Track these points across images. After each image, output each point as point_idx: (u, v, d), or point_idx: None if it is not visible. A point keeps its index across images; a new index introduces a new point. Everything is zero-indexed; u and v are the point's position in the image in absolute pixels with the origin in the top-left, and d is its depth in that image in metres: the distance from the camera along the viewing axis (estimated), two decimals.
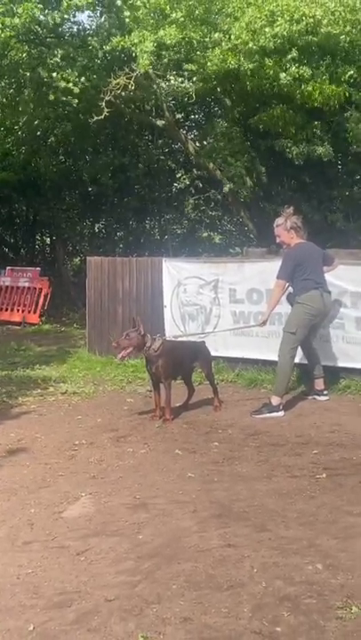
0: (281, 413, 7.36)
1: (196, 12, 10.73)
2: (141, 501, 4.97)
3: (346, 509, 4.68)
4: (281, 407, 7.42)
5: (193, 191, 17.08)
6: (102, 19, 12.73)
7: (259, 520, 4.55)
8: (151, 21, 10.96)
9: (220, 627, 3.25)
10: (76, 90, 11.77)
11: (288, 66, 10.46)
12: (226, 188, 12.67)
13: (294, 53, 10.35)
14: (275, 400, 7.44)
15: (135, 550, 4.12)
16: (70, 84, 11.73)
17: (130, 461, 5.98)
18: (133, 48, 10.85)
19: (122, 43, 11.01)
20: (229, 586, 3.64)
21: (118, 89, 11.53)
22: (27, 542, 4.28)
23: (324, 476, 5.42)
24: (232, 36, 10.34)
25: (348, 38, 10.38)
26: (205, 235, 16.52)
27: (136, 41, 10.74)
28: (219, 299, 9.48)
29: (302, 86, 10.78)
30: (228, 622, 3.28)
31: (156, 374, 7.19)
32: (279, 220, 7.72)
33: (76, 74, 11.99)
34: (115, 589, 3.63)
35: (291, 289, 7.67)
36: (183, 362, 7.43)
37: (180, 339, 8.37)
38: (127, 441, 6.64)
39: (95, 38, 12.54)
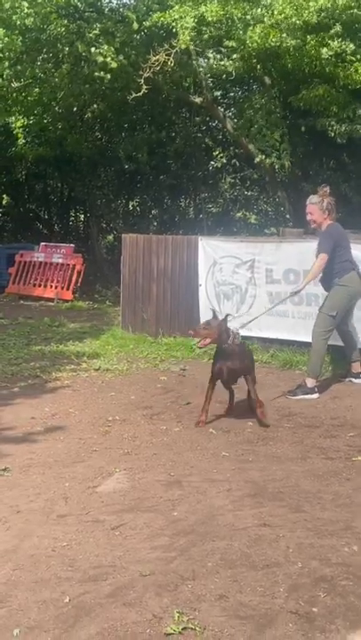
0: (315, 395, 7.31)
1: None
2: (176, 479, 4.96)
3: None
4: (316, 389, 7.37)
5: (230, 170, 16.95)
6: None
7: (294, 501, 4.52)
8: None
9: (255, 605, 3.23)
10: (113, 64, 11.71)
11: (331, 42, 10.27)
12: (257, 159, 12.50)
13: (338, 28, 10.15)
14: (310, 382, 7.39)
15: (170, 527, 4.12)
16: (108, 59, 11.65)
17: (163, 439, 5.98)
18: (174, 24, 10.73)
19: (162, 18, 10.89)
20: (265, 565, 3.62)
21: (157, 65, 11.42)
22: (61, 515, 4.30)
23: (359, 458, 5.37)
24: (275, 12, 10.17)
25: None
26: (240, 214, 16.39)
27: (177, 16, 10.62)
28: (255, 279, 9.40)
29: (345, 66, 10.60)
30: (263, 601, 3.27)
31: (235, 369, 6.36)
32: (314, 199, 7.58)
33: (113, 49, 11.92)
34: (150, 565, 3.62)
35: (322, 274, 7.53)
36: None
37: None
38: (160, 419, 6.64)
39: (135, 13, 12.42)
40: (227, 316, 6.46)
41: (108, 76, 11.91)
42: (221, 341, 6.32)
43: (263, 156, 12.40)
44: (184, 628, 3.05)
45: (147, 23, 11.57)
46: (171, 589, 3.38)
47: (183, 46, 10.71)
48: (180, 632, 3.03)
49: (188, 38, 10.50)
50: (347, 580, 3.46)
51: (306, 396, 7.27)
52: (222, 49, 12.10)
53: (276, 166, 12.44)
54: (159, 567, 3.60)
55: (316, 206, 7.52)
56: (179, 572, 3.56)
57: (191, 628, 3.05)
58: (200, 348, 6.93)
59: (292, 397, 7.27)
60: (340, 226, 7.72)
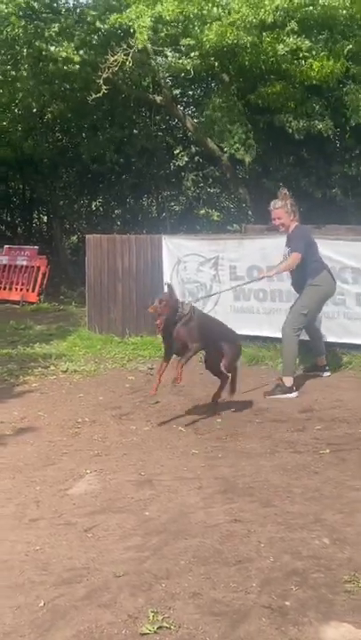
0: (294, 394, 7.28)
1: None
2: (146, 478, 4.99)
3: (350, 484, 4.71)
4: (294, 388, 7.36)
5: (192, 167, 16.99)
6: None
7: (264, 495, 4.57)
8: None
9: (229, 601, 3.27)
10: (77, 59, 11.69)
11: (286, 38, 10.36)
12: (225, 158, 12.54)
13: (293, 25, 10.24)
14: (287, 381, 7.37)
15: (142, 526, 4.14)
16: (70, 54, 11.64)
17: (133, 438, 6.00)
18: (131, 24, 10.73)
19: (119, 19, 10.89)
20: (237, 561, 3.66)
21: (116, 66, 11.41)
22: (34, 519, 4.30)
23: (327, 451, 5.44)
24: (232, 11, 10.23)
25: (346, 12, 10.27)
26: (203, 212, 16.45)
27: (133, 16, 10.62)
28: (219, 276, 9.45)
29: (300, 63, 10.70)
30: (237, 597, 3.31)
31: (179, 338, 6.33)
32: (278, 203, 7.60)
33: (74, 46, 11.89)
34: (123, 565, 3.65)
35: (293, 275, 7.59)
36: (209, 335, 6.57)
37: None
38: (130, 418, 6.66)
39: (93, 12, 12.40)
40: (172, 290, 6.52)
41: (77, 66, 11.85)
42: (173, 314, 6.31)
43: (228, 153, 12.40)
44: (159, 627, 3.08)
45: (105, 25, 11.54)
46: (145, 589, 3.41)
47: (140, 46, 10.71)
48: (155, 631, 3.05)
49: (146, 37, 10.51)
50: (318, 572, 3.51)
51: (284, 396, 7.25)
52: (180, 47, 12.13)
53: (247, 160, 12.43)
54: (133, 567, 3.63)
55: (282, 210, 7.55)
56: (152, 571, 3.58)
57: (166, 627, 3.08)
58: (158, 325, 6.46)
59: (271, 397, 7.24)
60: (306, 226, 7.81)
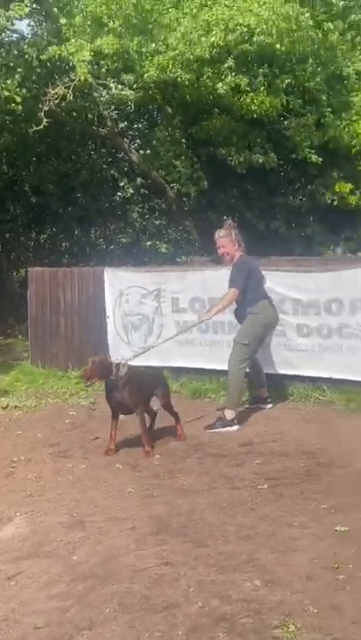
0: (235, 428, 7.18)
1: (133, 21, 10.63)
2: (78, 519, 4.83)
3: (286, 521, 4.60)
4: (235, 421, 7.25)
5: (138, 200, 16.97)
6: (40, 28, 12.51)
7: (198, 535, 4.44)
8: (88, 30, 10.84)
9: None
10: (18, 99, 11.59)
11: (225, 75, 10.43)
12: (171, 193, 12.55)
13: (231, 62, 10.31)
14: (229, 414, 7.28)
15: (69, 572, 3.98)
16: (12, 93, 11.53)
17: (69, 477, 5.85)
18: (71, 57, 10.70)
19: (58, 52, 10.85)
20: (164, 607, 3.52)
21: (57, 99, 11.35)
22: None
23: (265, 486, 5.35)
24: (169, 47, 10.27)
25: (283, 48, 10.40)
26: (150, 244, 16.40)
27: (73, 50, 10.59)
28: (161, 308, 9.36)
29: (241, 98, 10.76)
30: None
31: (123, 403, 6.51)
32: (222, 232, 7.62)
33: (16, 84, 11.81)
34: (45, 616, 3.48)
35: (235, 305, 7.55)
36: (146, 389, 6.79)
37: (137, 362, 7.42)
38: (67, 456, 6.52)
39: (33, 48, 12.36)
40: (107, 353, 6.78)
41: (20, 107, 11.77)
42: (105, 376, 6.50)
43: (179, 186, 12.37)
44: None
45: (44, 57, 11.49)
46: None
47: (82, 78, 10.66)
48: None
49: (86, 70, 10.47)
50: (247, 617, 3.39)
51: (225, 429, 7.14)
52: (123, 79, 12.15)
53: (192, 193, 12.42)
54: (54, 618, 3.46)
55: (226, 239, 7.56)
56: (75, 621, 3.42)
57: None
58: (86, 387, 7.06)
59: (211, 431, 7.14)
60: (250, 257, 7.80)
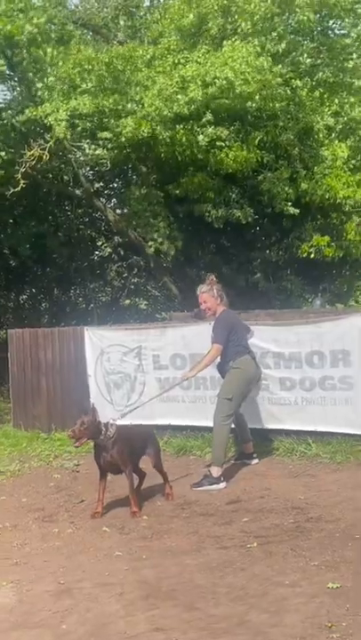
0: (222, 485, 7.11)
1: (107, 81, 10.87)
2: (66, 586, 4.74)
3: (277, 580, 4.54)
4: (222, 478, 7.18)
5: (115, 258, 17.09)
6: (15, 92, 12.74)
7: (188, 598, 4.37)
8: (62, 91, 11.05)
9: None
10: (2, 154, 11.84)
11: (204, 129, 10.65)
12: (151, 250, 12.67)
13: (210, 116, 10.55)
14: (215, 471, 7.21)
15: None
16: None
17: (55, 543, 5.76)
18: (47, 118, 10.88)
19: (34, 113, 11.03)
20: None
21: (33, 160, 11.50)
22: None
23: (254, 544, 5.29)
24: (145, 105, 10.48)
25: (254, 105, 10.66)
26: (128, 301, 16.47)
27: (49, 111, 10.80)
28: (143, 365, 9.36)
29: (217, 153, 10.98)
30: None
31: (112, 463, 6.47)
32: (204, 288, 7.68)
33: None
34: None
35: (218, 359, 7.57)
36: (135, 449, 6.73)
37: (125, 421, 7.31)
38: (53, 520, 6.43)
39: (9, 112, 12.57)
40: (95, 412, 6.53)
41: (2, 171, 11.93)
42: (95, 436, 6.46)
43: (153, 245, 12.49)
44: None
45: (21, 119, 11.66)
46: None
47: (61, 135, 10.80)
48: None
49: (64, 129, 10.63)
50: None
51: (212, 487, 7.07)
52: (98, 140, 12.35)
53: (171, 253, 12.54)
54: None
55: (208, 294, 7.62)
56: None
57: None
58: (76, 447, 6.82)
59: (198, 489, 7.06)
60: (232, 312, 7.85)
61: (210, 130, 10.70)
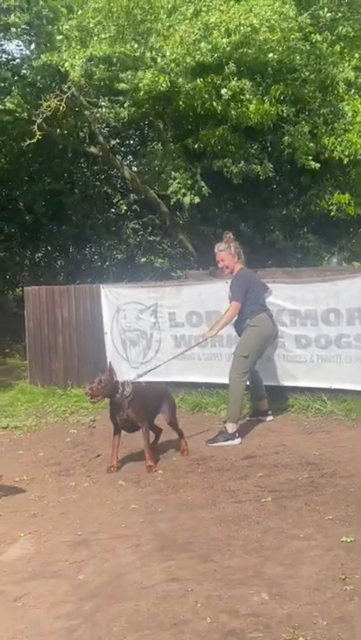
0: (237, 441, 7.15)
1: (125, 32, 10.69)
2: (83, 538, 4.80)
3: (291, 533, 4.58)
4: (237, 434, 7.21)
5: (132, 216, 17.01)
6: (32, 46, 12.60)
7: (203, 550, 4.42)
8: (79, 39, 10.93)
9: None
10: (19, 109, 11.80)
11: (226, 82, 10.48)
12: (165, 207, 12.54)
13: (233, 67, 10.37)
14: (230, 427, 7.25)
15: (75, 592, 3.95)
16: (10, 106, 11.76)
17: (72, 496, 5.82)
18: (64, 64, 10.76)
19: (51, 58, 10.91)
20: (173, 624, 3.49)
21: (50, 111, 11.39)
22: None
23: (269, 499, 5.32)
24: (167, 53, 10.30)
25: (276, 57, 10.48)
26: (145, 259, 16.43)
27: (66, 56, 10.70)
28: (159, 323, 9.36)
29: (237, 105, 10.81)
30: None
31: (128, 420, 6.52)
32: (222, 246, 7.64)
33: (16, 101, 11.99)
34: (52, 636, 3.45)
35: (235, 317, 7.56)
36: (150, 408, 6.76)
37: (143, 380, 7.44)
38: (69, 474, 6.49)
39: (26, 64, 12.50)
40: (113, 371, 6.60)
41: (26, 114, 11.90)
42: (111, 395, 6.51)
43: (175, 198, 12.34)
44: None
45: (37, 63, 11.53)
46: None
47: (76, 79, 10.67)
48: None
49: (79, 74, 10.50)
50: (256, 631, 3.37)
51: (227, 442, 7.11)
52: (114, 98, 12.20)
53: (195, 201, 12.35)
54: (63, 638, 3.44)
55: (226, 252, 7.58)
56: None
57: None
58: (93, 403, 6.93)
59: (214, 445, 7.11)
60: (249, 270, 7.81)
61: (233, 83, 10.54)
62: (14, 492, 5.98)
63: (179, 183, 12.04)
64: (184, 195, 12.06)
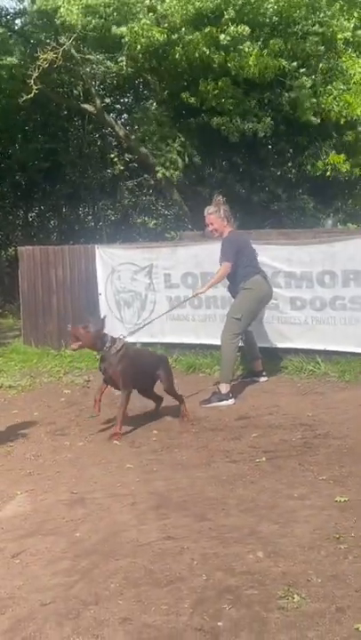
0: (231, 401, 7.19)
1: None
2: (79, 496, 4.84)
3: (286, 493, 4.63)
4: (230, 395, 7.26)
5: (127, 176, 16.86)
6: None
7: (199, 509, 4.46)
8: None
9: (159, 625, 3.14)
10: (15, 61, 11.66)
11: (226, 27, 10.32)
12: (159, 174, 12.47)
13: (232, 13, 10.21)
14: (223, 388, 7.29)
15: (72, 549, 3.99)
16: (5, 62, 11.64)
17: (67, 455, 5.85)
18: (60, 9, 10.59)
19: (46, 3, 10.73)
20: (169, 581, 3.54)
21: (46, 64, 11.22)
22: None
23: (263, 459, 5.37)
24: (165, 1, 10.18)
25: (274, 8, 10.33)
26: (140, 220, 16.32)
27: (60, 2, 10.54)
28: (153, 284, 9.35)
29: (236, 56, 10.64)
30: (168, 620, 3.18)
31: (113, 379, 6.36)
32: (211, 209, 7.60)
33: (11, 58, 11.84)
34: (50, 592, 3.49)
35: (228, 282, 7.56)
36: (143, 373, 6.63)
37: (134, 338, 7.54)
38: (64, 434, 6.53)
39: (20, 19, 12.32)
40: (103, 319, 6.63)
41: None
42: (96, 348, 6.40)
43: (164, 169, 12.24)
44: None
45: (32, 9, 11.33)
46: (72, 617, 3.25)
47: (73, 22, 10.48)
48: None
49: (76, 17, 10.33)
50: (251, 588, 3.41)
51: (221, 403, 7.16)
52: (109, 55, 12.02)
53: (175, 177, 12.31)
54: (60, 594, 3.47)
55: (215, 215, 7.54)
56: (80, 597, 3.43)
57: None
58: (73, 350, 6.78)
59: (207, 405, 7.15)
60: (240, 232, 7.80)
61: (232, 28, 10.37)
62: (10, 451, 6.01)
63: (163, 156, 11.94)
64: (167, 168, 11.98)
